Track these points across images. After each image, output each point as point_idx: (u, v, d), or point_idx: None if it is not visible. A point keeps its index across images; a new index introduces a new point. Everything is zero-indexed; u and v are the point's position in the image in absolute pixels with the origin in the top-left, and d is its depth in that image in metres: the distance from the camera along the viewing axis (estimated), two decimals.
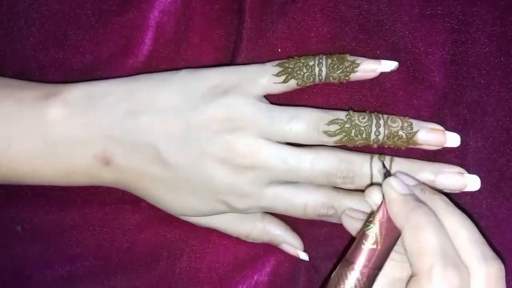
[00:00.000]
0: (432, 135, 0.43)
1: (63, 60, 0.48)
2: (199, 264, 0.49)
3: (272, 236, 0.48)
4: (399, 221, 0.38)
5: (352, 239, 0.43)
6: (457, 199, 0.45)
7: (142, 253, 0.50)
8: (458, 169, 0.43)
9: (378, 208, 0.39)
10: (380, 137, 0.42)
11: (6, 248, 0.51)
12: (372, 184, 0.43)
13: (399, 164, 0.43)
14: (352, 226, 0.43)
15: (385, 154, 0.43)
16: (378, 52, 0.45)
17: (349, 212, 0.43)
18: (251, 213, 0.46)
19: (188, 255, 0.50)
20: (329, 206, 0.44)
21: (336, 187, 0.45)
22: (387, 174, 0.42)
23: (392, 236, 0.38)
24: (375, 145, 0.43)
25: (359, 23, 0.46)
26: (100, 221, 0.50)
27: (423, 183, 0.42)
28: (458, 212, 0.38)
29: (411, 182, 0.41)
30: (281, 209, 0.45)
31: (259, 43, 0.47)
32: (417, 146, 0.43)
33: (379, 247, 0.38)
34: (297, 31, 0.47)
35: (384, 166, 0.42)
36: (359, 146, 0.43)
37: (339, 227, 0.48)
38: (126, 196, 0.50)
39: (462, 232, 0.37)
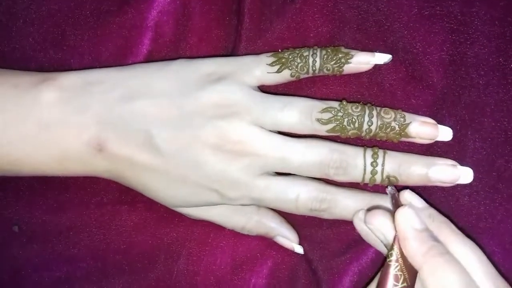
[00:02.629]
0: (424, 127, 0.42)
1: (62, 60, 0.48)
2: (197, 267, 0.49)
3: (267, 228, 0.48)
4: (415, 261, 0.37)
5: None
6: (455, 201, 0.45)
7: (139, 255, 0.50)
8: (451, 161, 0.43)
9: (393, 243, 0.38)
10: (373, 127, 0.42)
11: (3, 248, 0.50)
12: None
13: (392, 157, 0.43)
14: (364, 230, 0.43)
15: (378, 147, 0.43)
16: (376, 51, 0.45)
17: (362, 216, 0.42)
18: (242, 204, 0.46)
19: (185, 257, 0.49)
20: (322, 199, 0.44)
21: (329, 183, 0.45)
22: (395, 196, 0.41)
23: (415, 270, 0.37)
24: (367, 137, 0.43)
25: (358, 23, 0.46)
26: (96, 222, 0.50)
27: (431, 207, 0.42)
28: (469, 241, 0.39)
29: (420, 204, 0.41)
30: (272, 201, 0.44)
31: (258, 44, 0.47)
32: (409, 139, 0.43)
33: (408, 284, 0.37)
34: (296, 31, 0.47)
35: (391, 184, 0.42)
36: (351, 137, 0.43)
37: (335, 230, 0.48)
38: (123, 197, 0.50)
39: (477, 266, 0.37)
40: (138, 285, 0.50)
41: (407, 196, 0.42)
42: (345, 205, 0.44)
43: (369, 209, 0.42)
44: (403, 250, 0.37)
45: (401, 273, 0.37)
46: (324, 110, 0.42)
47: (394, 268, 0.37)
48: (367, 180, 0.43)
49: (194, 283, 0.49)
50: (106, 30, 0.48)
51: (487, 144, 0.44)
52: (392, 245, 0.38)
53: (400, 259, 0.37)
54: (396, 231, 0.38)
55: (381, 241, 0.40)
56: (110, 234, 0.50)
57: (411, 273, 0.37)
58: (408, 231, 0.37)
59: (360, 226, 0.43)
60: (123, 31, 0.48)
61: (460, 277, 0.35)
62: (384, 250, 0.41)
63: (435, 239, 0.38)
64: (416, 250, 0.37)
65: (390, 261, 0.38)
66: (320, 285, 0.48)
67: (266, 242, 0.49)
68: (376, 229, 0.40)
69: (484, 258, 0.38)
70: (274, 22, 0.47)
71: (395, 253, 0.38)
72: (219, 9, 0.49)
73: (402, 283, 0.37)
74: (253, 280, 0.49)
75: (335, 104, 0.43)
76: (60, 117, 0.43)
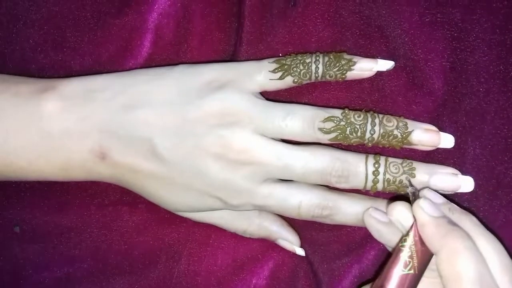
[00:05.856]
0: (426, 135, 0.43)
1: (62, 62, 0.48)
2: (198, 268, 0.49)
3: (269, 231, 0.48)
4: (433, 245, 0.37)
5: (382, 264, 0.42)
6: None
7: (140, 256, 0.50)
8: (452, 170, 0.43)
9: (409, 230, 0.38)
10: (375, 135, 0.42)
11: (4, 249, 0.50)
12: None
13: (393, 165, 0.43)
14: (374, 226, 0.42)
15: (381, 154, 0.43)
16: (378, 58, 0.45)
17: (373, 213, 0.42)
18: (245, 210, 0.46)
19: (186, 258, 0.50)
20: (324, 206, 0.44)
21: (331, 189, 0.45)
22: (415, 194, 0.41)
23: (426, 259, 0.38)
24: (369, 144, 0.43)
25: (359, 28, 0.46)
26: (98, 223, 0.50)
27: (451, 202, 0.41)
28: (488, 233, 0.39)
29: (439, 200, 0.41)
30: (275, 207, 0.44)
31: (259, 47, 0.47)
32: (411, 147, 0.43)
33: (416, 272, 0.37)
34: (297, 35, 0.47)
35: (411, 185, 0.42)
36: (354, 144, 0.43)
37: (336, 232, 0.48)
38: (124, 198, 0.50)
39: (494, 257, 0.37)
40: (139, 285, 0.50)
41: (426, 193, 0.41)
42: (347, 212, 0.44)
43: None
44: (422, 235, 0.38)
45: (410, 260, 0.38)
46: (327, 119, 0.42)
47: (405, 254, 0.38)
48: (368, 188, 0.43)
49: (195, 283, 0.50)
50: (106, 32, 0.48)
51: (487, 151, 0.45)
52: (408, 232, 0.38)
53: (412, 246, 0.38)
54: (414, 219, 0.39)
55: (400, 232, 0.40)
56: (111, 235, 0.50)
57: (421, 262, 0.38)
58: (426, 217, 0.38)
59: (371, 222, 0.42)
60: (123, 33, 0.48)
61: (477, 266, 0.35)
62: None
63: (455, 224, 0.38)
64: (435, 234, 0.37)
65: (402, 246, 0.38)
66: (320, 287, 0.48)
67: (267, 243, 0.50)
68: (396, 219, 0.40)
69: (503, 251, 0.38)
70: (276, 26, 0.47)
71: (410, 239, 0.38)
72: (219, 11, 0.48)
73: (409, 269, 0.37)
74: (253, 281, 0.49)
75: (338, 112, 0.43)
76: (62, 126, 0.44)
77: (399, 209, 0.40)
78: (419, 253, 0.38)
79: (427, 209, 0.38)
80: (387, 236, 0.42)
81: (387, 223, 0.41)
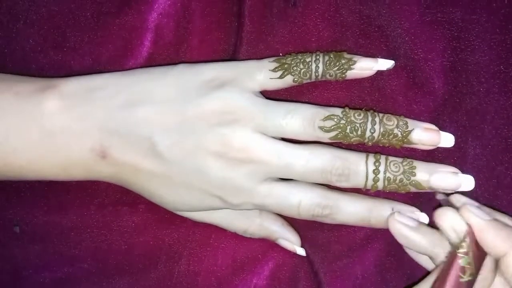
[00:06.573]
0: (426, 134, 0.43)
1: (62, 62, 0.48)
2: (198, 268, 0.49)
3: (270, 231, 0.48)
4: (498, 248, 0.37)
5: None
6: None
7: (140, 256, 0.50)
8: (453, 168, 0.43)
9: (465, 236, 0.38)
10: (375, 134, 0.42)
11: (4, 249, 0.50)
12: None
13: (394, 164, 0.43)
14: (401, 232, 0.42)
15: (381, 153, 0.43)
16: (378, 57, 0.45)
17: (398, 218, 0.43)
18: (245, 209, 0.46)
19: (186, 258, 0.50)
20: (325, 205, 0.44)
21: (331, 189, 0.45)
22: (448, 201, 0.41)
23: (481, 264, 0.38)
24: (370, 143, 0.43)
25: (360, 28, 0.46)
26: (98, 223, 0.50)
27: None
28: None
29: (475, 203, 0.41)
30: (275, 206, 0.44)
31: (260, 47, 0.47)
32: (411, 146, 0.43)
33: (473, 277, 0.37)
34: (298, 35, 0.47)
35: (439, 192, 0.42)
36: (354, 143, 0.43)
37: (337, 232, 0.48)
38: (124, 198, 0.50)
39: None
40: (139, 285, 0.50)
41: (462, 199, 0.42)
42: (347, 211, 0.44)
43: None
44: (482, 240, 0.38)
45: (469, 266, 0.37)
46: (327, 118, 0.42)
47: (463, 260, 0.38)
48: (369, 187, 0.43)
49: (195, 283, 0.50)
50: (106, 31, 0.48)
51: (487, 151, 0.45)
52: (464, 238, 0.38)
53: (470, 252, 0.38)
54: (468, 225, 0.39)
55: (449, 239, 0.40)
56: (111, 235, 0.50)
57: (478, 267, 0.38)
58: (482, 222, 0.38)
59: (397, 228, 0.42)
60: (123, 33, 0.48)
61: None
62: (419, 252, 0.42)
63: (508, 225, 0.38)
64: (497, 237, 0.37)
65: (459, 253, 0.38)
66: (321, 287, 0.48)
67: (267, 243, 0.50)
68: (448, 227, 0.40)
69: None
70: (276, 26, 0.47)
71: (466, 245, 0.38)
72: (219, 11, 0.48)
73: (468, 276, 0.37)
74: (254, 281, 0.49)
75: (338, 111, 0.43)
76: (63, 125, 0.43)
77: (451, 215, 0.40)
78: (476, 258, 0.38)
79: (479, 214, 0.39)
80: (415, 242, 0.42)
81: (415, 228, 0.42)
